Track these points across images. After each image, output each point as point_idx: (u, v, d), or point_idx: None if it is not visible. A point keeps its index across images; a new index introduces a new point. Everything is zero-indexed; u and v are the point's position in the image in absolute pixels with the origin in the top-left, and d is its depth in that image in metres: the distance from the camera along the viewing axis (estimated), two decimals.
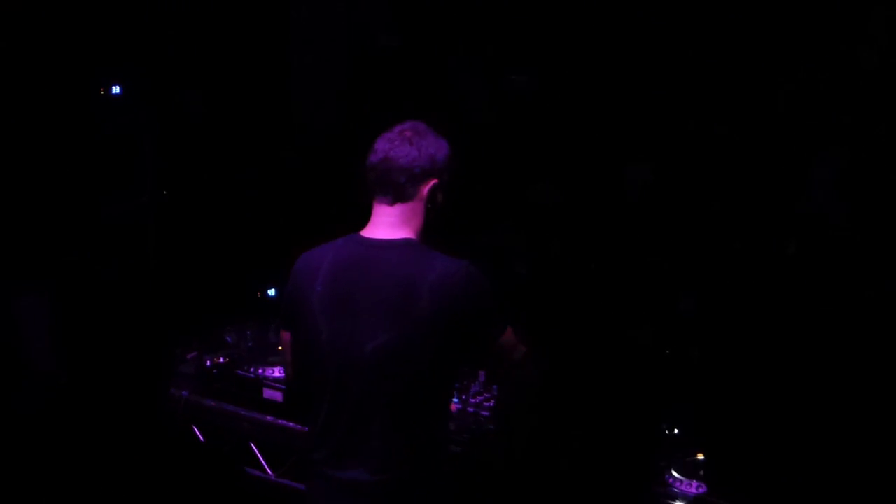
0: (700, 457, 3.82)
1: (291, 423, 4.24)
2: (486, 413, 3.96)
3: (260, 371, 4.42)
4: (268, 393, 4.32)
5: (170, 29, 5.34)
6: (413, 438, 2.98)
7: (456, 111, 4.60)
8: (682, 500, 3.67)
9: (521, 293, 4.56)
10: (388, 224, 3.04)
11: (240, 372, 4.45)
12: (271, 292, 5.09)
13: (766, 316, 4.05)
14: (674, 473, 3.74)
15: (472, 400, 4.06)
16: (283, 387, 4.27)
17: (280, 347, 4.54)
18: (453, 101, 4.66)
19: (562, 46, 4.55)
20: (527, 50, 4.64)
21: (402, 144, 3.03)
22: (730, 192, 4.22)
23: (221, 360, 4.55)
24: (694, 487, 3.70)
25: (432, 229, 3.08)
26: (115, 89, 5.28)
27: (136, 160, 5.39)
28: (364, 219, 3.10)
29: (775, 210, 4.12)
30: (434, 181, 3.04)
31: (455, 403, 3.73)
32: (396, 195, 3.03)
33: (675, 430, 3.94)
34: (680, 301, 4.33)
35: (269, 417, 4.31)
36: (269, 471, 4.36)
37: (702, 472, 3.77)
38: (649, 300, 4.41)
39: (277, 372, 4.39)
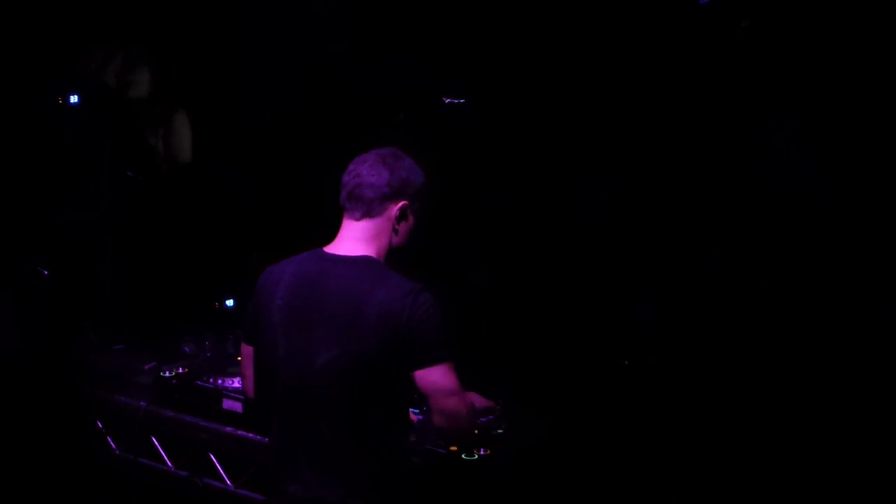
0: None
1: (251, 434, 4.22)
2: None
3: (219, 382, 4.40)
4: (227, 403, 4.31)
5: (127, 37, 5.33)
6: (368, 452, 3.00)
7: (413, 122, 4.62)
8: None
9: (479, 305, 4.58)
10: (352, 239, 3.08)
11: (199, 382, 4.43)
12: (229, 303, 5.07)
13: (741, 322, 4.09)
14: None
15: None
16: (242, 397, 4.25)
17: (239, 358, 4.57)
18: (408, 113, 4.67)
19: (520, 55, 4.58)
20: (477, 55, 4.66)
21: (375, 164, 3.08)
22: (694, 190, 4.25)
23: (180, 370, 4.53)
24: None
25: (399, 252, 3.10)
26: (73, 98, 5.25)
27: (94, 170, 5.36)
28: (326, 233, 3.12)
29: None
30: (404, 202, 3.08)
31: (416, 415, 3.71)
32: (364, 211, 3.07)
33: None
34: (637, 311, 4.36)
35: (228, 428, 4.29)
36: (228, 482, 4.34)
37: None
38: (606, 311, 4.44)
39: (237, 382, 4.37)
